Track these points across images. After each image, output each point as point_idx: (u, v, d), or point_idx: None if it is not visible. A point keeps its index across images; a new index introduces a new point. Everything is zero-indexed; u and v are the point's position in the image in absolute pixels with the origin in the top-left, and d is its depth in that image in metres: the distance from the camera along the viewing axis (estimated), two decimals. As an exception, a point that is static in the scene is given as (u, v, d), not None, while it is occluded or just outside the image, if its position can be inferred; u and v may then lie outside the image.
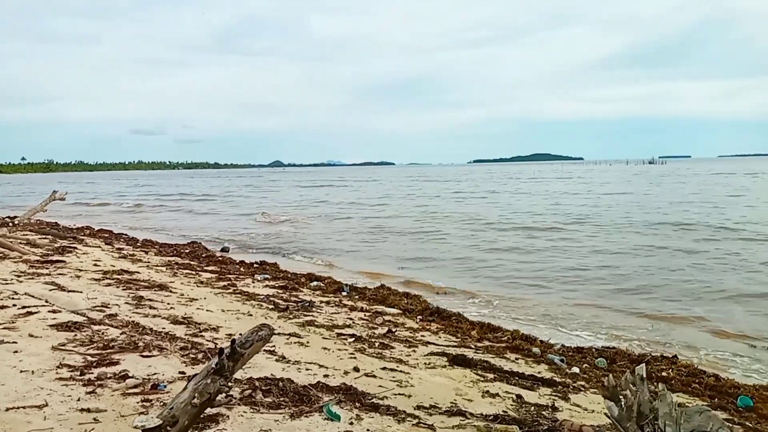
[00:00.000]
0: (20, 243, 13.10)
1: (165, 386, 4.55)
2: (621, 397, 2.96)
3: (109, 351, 5.46)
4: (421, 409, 4.70)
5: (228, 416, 4.01)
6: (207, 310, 8.18)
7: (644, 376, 3.01)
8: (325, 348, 6.65)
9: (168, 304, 8.31)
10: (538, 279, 13.37)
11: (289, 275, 12.75)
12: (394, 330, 8.17)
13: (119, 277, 10.33)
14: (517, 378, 6.18)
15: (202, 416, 3.53)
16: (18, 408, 3.94)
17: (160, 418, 2.87)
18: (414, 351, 7.05)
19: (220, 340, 6.35)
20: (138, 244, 17.68)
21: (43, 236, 15.86)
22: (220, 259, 15.06)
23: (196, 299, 8.98)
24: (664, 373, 6.98)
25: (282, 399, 4.45)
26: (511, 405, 5.14)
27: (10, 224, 18.23)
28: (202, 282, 11.04)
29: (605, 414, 3.13)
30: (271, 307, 9.07)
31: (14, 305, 7.11)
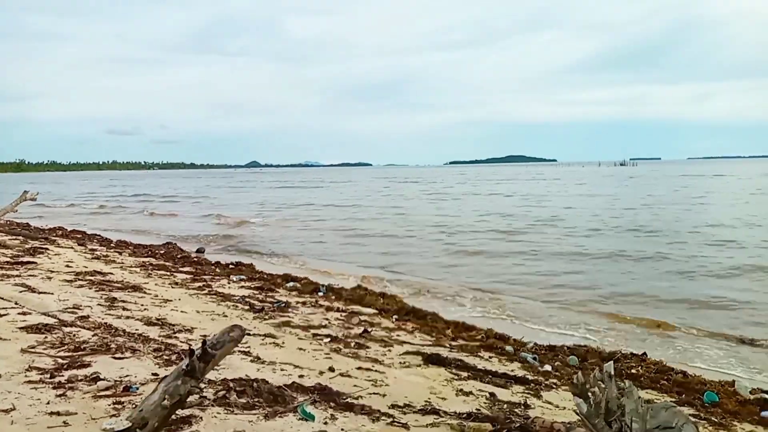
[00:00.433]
0: (-11, 244, 12.83)
1: (137, 388, 4.51)
2: (590, 394, 3.02)
3: (80, 353, 5.38)
4: (396, 407, 4.73)
5: (201, 417, 3.98)
6: (181, 311, 8.11)
7: (612, 373, 3.07)
8: (300, 348, 6.64)
9: (142, 305, 8.22)
10: (512, 280, 13.52)
11: (265, 276, 12.70)
12: (369, 330, 8.20)
13: (92, 278, 10.17)
14: (490, 376, 6.25)
15: (174, 418, 3.51)
16: (-15, 412, 3.87)
17: (129, 420, 2.86)
18: (389, 350, 7.09)
19: (195, 342, 6.30)
20: (112, 244, 17.43)
21: (14, 237, 15.54)
22: (195, 259, 14.93)
23: (171, 300, 8.89)
24: (633, 370, 7.13)
25: (256, 399, 4.44)
26: (485, 403, 5.20)
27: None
28: (176, 283, 10.94)
29: (574, 411, 3.20)
30: (246, 308, 9.03)
31: (-18, 307, 6.96)
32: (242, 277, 12.31)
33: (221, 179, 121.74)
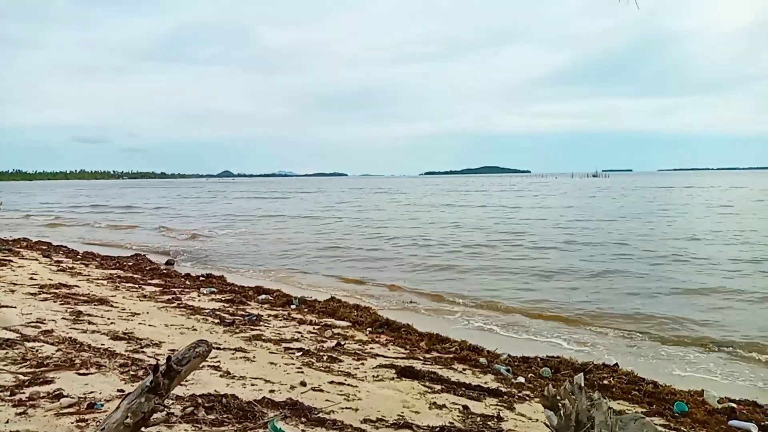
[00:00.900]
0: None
1: (102, 405, 4.38)
2: (560, 406, 3.02)
3: (43, 369, 5.22)
4: (368, 422, 4.68)
5: (168, 435, 3.89)
6: (149, 325, 7.94)
7: (582, 384, 3.08)
8: (271, 362, 6.55)
9: (108, 319, 8.03)
10: (487, 291, 13.57)
11: (237, 288, 12.53)
12: (343, 343, 8.13)
13: (57, 291, 9.92)
14: (463, 389, 6.23)
15: (139, 436, 3.41)
16: (-60, 432, 3.72)
17: (92, 439, 2.76)
18: (362, 364, 7.03)
19: (163, 356, 6.16)
20: (78, 256, 17.04)
21: (-25, 249, 15.09)
22: (164, 272, 14.67)
23: (139, 314, 8.71)
24: (605, 381, 7.18)
25: (225, 416, 4.35)
26: (458, 416, 5.18)
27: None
28: (145, 296, 10.72)
29: (544, 423, 3.20)
30: (216, 321, 8.88)
31: (-60, 322, 6.72)
32: (213, 289, 12.12)
33: (190, 188, 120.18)
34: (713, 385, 7.35)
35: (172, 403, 4.41)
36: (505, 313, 11.47)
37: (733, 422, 6.02)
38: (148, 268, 14.95)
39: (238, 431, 4.08)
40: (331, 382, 5.88)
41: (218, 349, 6.83)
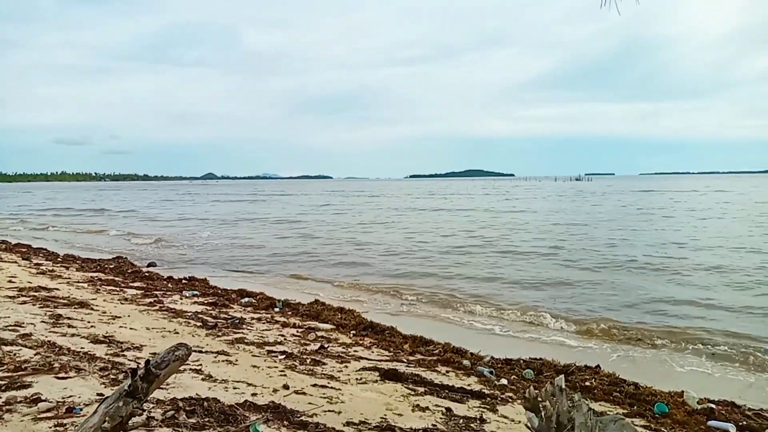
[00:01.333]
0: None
1: (81, 409, 4.32)
2: (541, 408, 3.04)
3: (20, 373, 5.14)
4: (351, 425, 4.67)
5: (148, 439, 3.85)
6: (131, 329, 7.86)
7: (563, 386, 3.10)
8: (254, 366, 6.51)
9: (88, 322, 7.93)
10: (472, 294, 13.61)
11: (219, 291, 12.44)
12: (326, 346, 8.10)
13: (36, 294, 9.78)
14: (447, 391, 6.25)
15: (119, 440, 3.37)
16: None
17: (70, 444, 2.72)
18: (346, 366, 7.01)
19: (143, 360, 6.11)
20: (59, 259, 16.83)
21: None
22: (146, 274, 14.53)
23: (120, 317, 8.61)
24: (587, 383, 7.23)
25: (207, 419, 4.31)
26: (441, 418, 5.19)
27: None
28: (126, 299, 10.61)
29: (526, 425, 3.22)
30: (199, 324, 8.81)
31: None
32: (195, 292, 12.02)
33: (169, 191, 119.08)
34: (693, 386, 7.43)
35: (153, 407, 4.37)
36: (488, 317, 11.52)
37: (712, 422, 6.10)
38: (129, 271, 14.80)
39: (219, 435, 4.05)
40: (314, 385, 5.86)
41: (200, 352, 6.78)
